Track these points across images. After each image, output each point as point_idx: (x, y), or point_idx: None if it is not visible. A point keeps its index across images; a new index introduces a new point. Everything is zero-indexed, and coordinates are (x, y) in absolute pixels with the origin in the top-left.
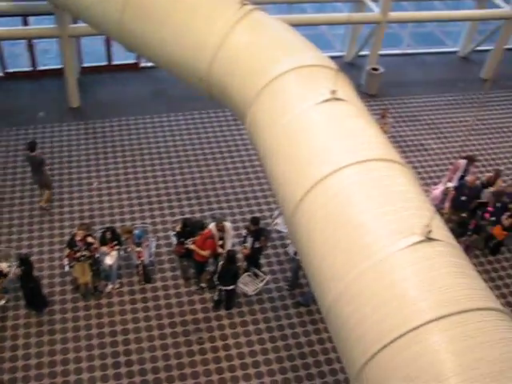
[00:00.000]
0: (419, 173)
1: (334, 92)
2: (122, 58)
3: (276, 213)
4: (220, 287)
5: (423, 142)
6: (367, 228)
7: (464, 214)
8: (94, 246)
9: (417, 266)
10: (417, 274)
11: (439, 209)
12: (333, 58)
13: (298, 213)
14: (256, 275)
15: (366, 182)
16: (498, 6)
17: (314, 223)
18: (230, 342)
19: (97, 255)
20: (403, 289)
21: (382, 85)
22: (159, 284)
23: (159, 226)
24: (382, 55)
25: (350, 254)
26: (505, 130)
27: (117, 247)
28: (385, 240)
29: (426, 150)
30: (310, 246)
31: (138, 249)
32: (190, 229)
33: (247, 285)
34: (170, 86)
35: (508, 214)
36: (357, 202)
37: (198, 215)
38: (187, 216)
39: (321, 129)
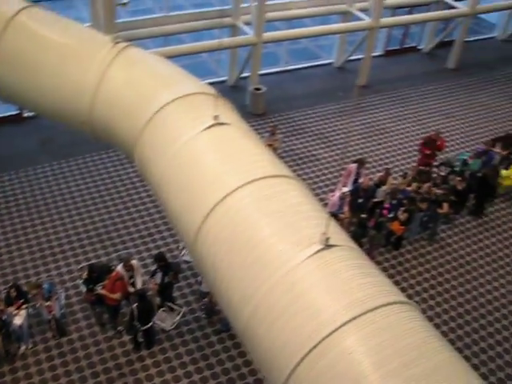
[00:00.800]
0: (315, 182)
1: (216, 117)
2: (2, 110)
3: (182, 244)
4: (137, 327)
5: (314, 152)
6: (268, 244)
7: (363, 215)
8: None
9: (321, 273)
10: (322, 282)
11: (339, 214)
12: (216, 83)
13: (199, 240)
14: (171, 309)
15: (260, 200)
16: (360, 19)
17: (216, 248)
18: (157, 381)
19: (4, 317)
20: (311, 298)
21: (267, 103)
22: (75, 335)
23: (66, 276)
24: (262, 75)
25: (256, 272)
26: (387, 130)
27: (24, 305)
28: (287, 253)
29: (317, 159)
30: (215, 271)
31: (48, 303)
32: (97, 274)
33: (164, 320)
34: (58, 133)
35: (403, 209)
36: (255, 220)
37: (104, 258)
38: (93, 261)
39: (209, 155)
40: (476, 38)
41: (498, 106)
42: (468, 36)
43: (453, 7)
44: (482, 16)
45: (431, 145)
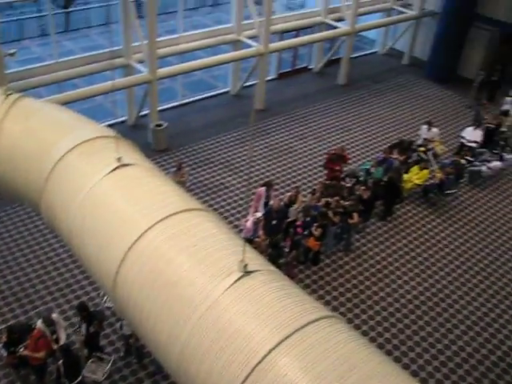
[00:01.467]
0: (227, 210)
1: (119, 159)
2: None
3: (102, 290)
4: None
5: (222, 180)
6: (188, 279)
7: (278, 236)
8: None
9: (244, 301)
10: (246, 310)
11: (255, 238)
12: (117, 124)
13: (118, 285)
14: (101, 359)
15: (174, 236)
16: (250, 46)
17: (137, 290)
18: None
19: None
20: (238, 328)
21: (169, 138)
22: None
23: None
24: (162, 110)
25: (179, 310)
26: (290, 150)
27: None
28: (208, 286)
29: (226, 187)
30: (139, 314)
31: None
32: (18, 335)
33: (95, 372)
34: None
35: (316, 224)
36: (171, 257)
37: (22, 318)
38: (11, 322)
39: (117, 197)
40: (360, 54)
41: (388, 114)
42: (353, 53)
43: (335, 27)
44: (363, 33)
45: (338, 160)
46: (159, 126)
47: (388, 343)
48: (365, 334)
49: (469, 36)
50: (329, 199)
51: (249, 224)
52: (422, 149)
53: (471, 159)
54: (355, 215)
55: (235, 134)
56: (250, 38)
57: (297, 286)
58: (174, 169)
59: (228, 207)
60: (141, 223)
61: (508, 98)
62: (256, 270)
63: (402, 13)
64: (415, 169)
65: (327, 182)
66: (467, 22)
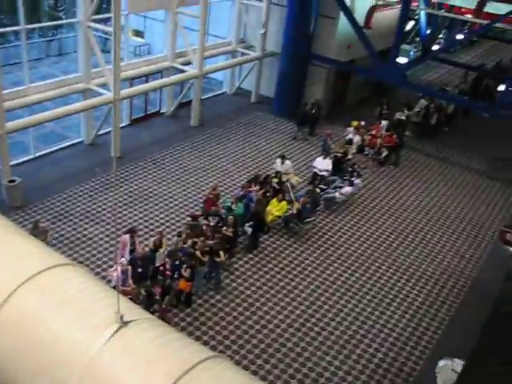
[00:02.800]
0: (92, 262)
1: None
2: None
3: None
4: None
5: (84, 232)
6: (64, 338)
7: (147, 283)
8: None
9: (125, 353)
10: (129, 362)
11: (125, 287)
12: None
13: None
14: None
15: (43, 294)
16: (101, 94)
17: (7, 360)
18: None
19: None
20: (122, 381)
21: (24, 194)
22: None
23: None
24: (15, 165)
25: (59, 372)
26: (151, 194)
27: None
28: (86, 342)
29: (90, 238)
30: None
31: None
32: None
33: None
34: None
35: (185, 266)
36: (43, 318)
37: None
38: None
39: None
40: (210, 95)
41: (243, 151)
42: (203, 94)
43: (183, 71)
44: (211, 75)
45: (214, 199)
46: (12, 181)
47: (269, 374)
48: (247, 368)
49: (309, 73)
50: (195, 239)
51: (117, 273)
52: (276, 180)
53: (325, 187)
54: (221, 253)
55: (93, 183)
56: (100, 85)
57: (175, 330)
58: (31, 226)
59: (93, 259)
60: (5, 284)
61: (349, 128)
62: (133, 320)
63: (246, 54)
64: (274, 201)
65: (191, 223)
66: (305, 60)
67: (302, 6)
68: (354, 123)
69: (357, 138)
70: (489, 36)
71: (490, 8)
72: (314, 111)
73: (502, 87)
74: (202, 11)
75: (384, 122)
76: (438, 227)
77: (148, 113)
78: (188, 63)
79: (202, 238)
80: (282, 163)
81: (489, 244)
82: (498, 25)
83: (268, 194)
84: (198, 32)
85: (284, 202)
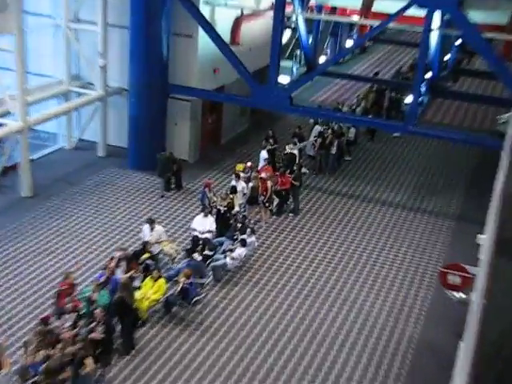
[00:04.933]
0: None
1: None
2: None
3: None
4: None
5: None
6: None
7: None
8: None
9: None
10: None
11: None
12: None
13: None
14: None
15: None
16: None
17: None
18: None
19: None
20: None
21: None
22: None
23: None
24: None
25: None
26: None
27: None
28: None
29: None
30: None
31: None
32: None
33: None
34: None
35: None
36: None
37: None
38: None
39: None
40: (43, 153)
41: (94, 221)
42: (32, 154)
43: (1, 125)
44: (40, 128)
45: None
46: None
47: None
48: None
49: (170, 110)
50: (49, 350)
51: None
52: (146, 256)
53: (211, 253)
54: (88, 362)
55: None
56: None
57: None
58: None
59: None
60: None
61: (235, 175)
62: None
63: (84, 95)
64: (148, 281)
65: (41, 328)
66: (161, 95)
67: (149, 25)
68: (239, 166)
69: (242, 185)
70: (383, 40)
71: (380, 6)
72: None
73: (409, 99)
74: (17, 42)
75: (263, 153)
76: (362, 282)
77: None
78: (6, 114)
79: (59, 346)
80: (152, 230)
81: (428, 291)
82: (391, 25)
83: (137, 274)
84: (14, 71)
85: (161, 280)
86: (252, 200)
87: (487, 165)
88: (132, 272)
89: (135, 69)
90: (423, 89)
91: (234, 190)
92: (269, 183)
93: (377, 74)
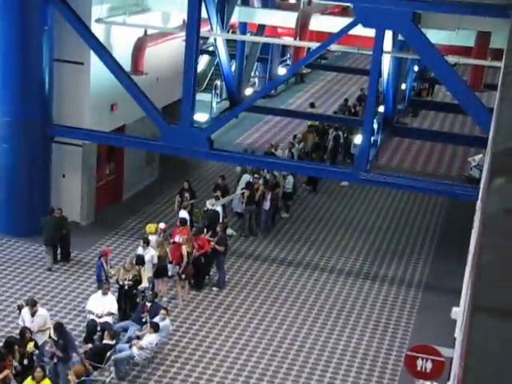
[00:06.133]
0: None
1: None
2: None
3: None
4: None
5: None
6: None
7: None
8: None
9: None
10: None
11: None
12: None
13: None
14: None
15: None
16: None
17: None
18: None
19: None
20: None
21: None
22: None
23: None
24: None
25: None
26: None
27: None
28: None
29: None
30: None
31: None
32: None
33: None
34: None
35: None
36: None
37: None
38: None
39: None
40: None
41: None
42: None
43: None
44: None
45: None
46: None
47: None
48: None
49: (54, 158)
50: None
51: None
52: (31, 345)
53: (112, 342)
54: None
55: None
56: None
57: None
58: None
59: None
60: None
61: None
62: None
63: None
64: (29, 381)
65: None
66: (43, 138)
67: (24, 48)
68: (150, 227)
69: (151, 253)
70: (324, 66)
71: (319, 24)
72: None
73: (358, 138)
74: None
75: (182, 213)
76: (307, 374)
77: None
78: None
79: None
80: (33, 314)
81: (393, 382)
82: (334, 48)
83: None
84: None
85: (46, 381)
86: (161, 272)
87: (457, 219)
88: (5, 373)
89: (7, 105)
90: (376, 126)
91: (140, 260)
92: (184, 249)
93: (312, 105)
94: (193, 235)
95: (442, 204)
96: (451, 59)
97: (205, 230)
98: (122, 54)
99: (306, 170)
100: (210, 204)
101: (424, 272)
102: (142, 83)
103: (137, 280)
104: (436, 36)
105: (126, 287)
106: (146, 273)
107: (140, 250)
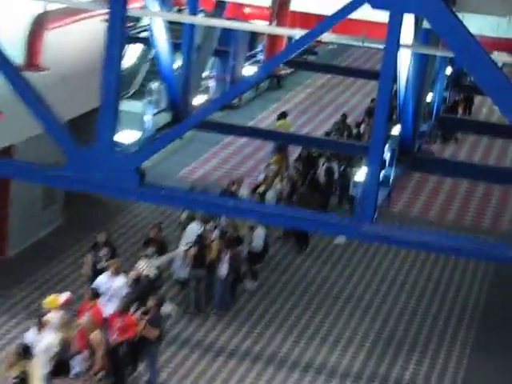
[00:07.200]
0: None
1: None
2: None
3: None
4: None
5: None
6: None
7: None
8: None
9: None
10: None
11: None
12: None
13: None
14: None
15: None
16: None
17: None
18: None
19: None
20: None
21: None
22: None
23: None
24: None
25: None
26: None
27: None
28: None
29: None
30: None
31: None
32: None
33: None
34: None
35: None
36: None
37: None
38: None
39: None
40: None
41: None
42: None
43: None
44: None
45: None
46: None
47: None
48: None
49: None
50: None
51: None
52: None
53: None
54: None
55: None
56: None
57: None
58: None
59: None
60: None
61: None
62: None
63: None
64: None
65: None
66: None
67: None
68: (51, 301)
69: (47, 340)
70: (313, 65)
71: (306, 2)
72: None
73: (360, 174)
74: None
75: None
76: None
77: None
78: None
79: None
80: None
81: None
82: (326, 38)
83: None
84: None
85: None
86: (61, 367)
87: (507, 292)
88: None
89: None
90: (388, 155)
91: (26, 351)
92: (96, 335)
93: (283, 116)
94: (117, 313)
95: (485, 272)
96: (500, 58)
97: (134, 304)
98: (11, 41)
99: (281, 220)
100: (140, 266)
101: (459, 372)
102: (41, 83)
103: (23, 380)
104: (478, 24)
105: None
106: (38, 369)
107: (29, 336)
